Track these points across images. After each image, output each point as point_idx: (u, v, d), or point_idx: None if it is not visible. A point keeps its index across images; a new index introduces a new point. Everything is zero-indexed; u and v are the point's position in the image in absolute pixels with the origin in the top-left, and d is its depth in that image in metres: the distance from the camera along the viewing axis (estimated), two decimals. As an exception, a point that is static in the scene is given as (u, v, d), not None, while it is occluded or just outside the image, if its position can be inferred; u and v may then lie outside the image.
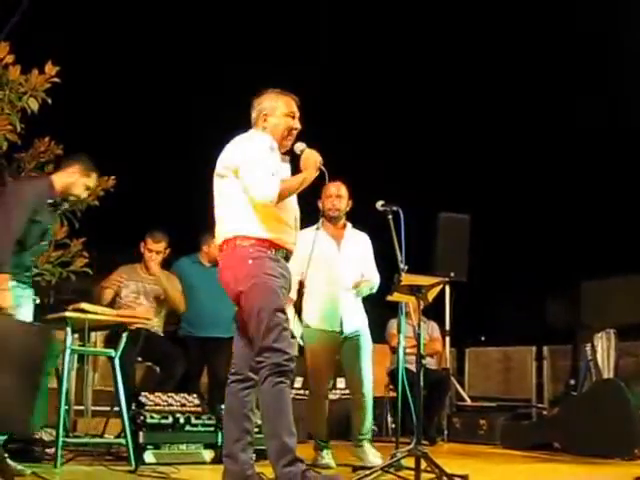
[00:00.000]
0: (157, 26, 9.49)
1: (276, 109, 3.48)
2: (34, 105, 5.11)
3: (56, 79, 5.13)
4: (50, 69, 5.11)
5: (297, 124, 3.51)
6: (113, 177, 5.52)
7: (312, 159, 3.43)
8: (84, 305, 4.02)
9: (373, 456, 4.54)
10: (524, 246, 9.05)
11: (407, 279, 3.81)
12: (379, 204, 4.28)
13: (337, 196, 4.76)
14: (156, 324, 5.59)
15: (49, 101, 5.16)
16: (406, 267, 3.95)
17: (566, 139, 10.39)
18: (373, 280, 4.76)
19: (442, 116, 10.24)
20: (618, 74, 9.71)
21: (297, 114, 3.52)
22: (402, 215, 4.10)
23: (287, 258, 3.41)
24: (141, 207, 9.03)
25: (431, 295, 3.95)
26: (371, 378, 4.68)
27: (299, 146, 3.51)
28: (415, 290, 3.81)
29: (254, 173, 3.27)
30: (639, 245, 8.88)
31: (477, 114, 10.35)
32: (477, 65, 10.37)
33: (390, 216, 4.20)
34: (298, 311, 4.06)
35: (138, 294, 5.59)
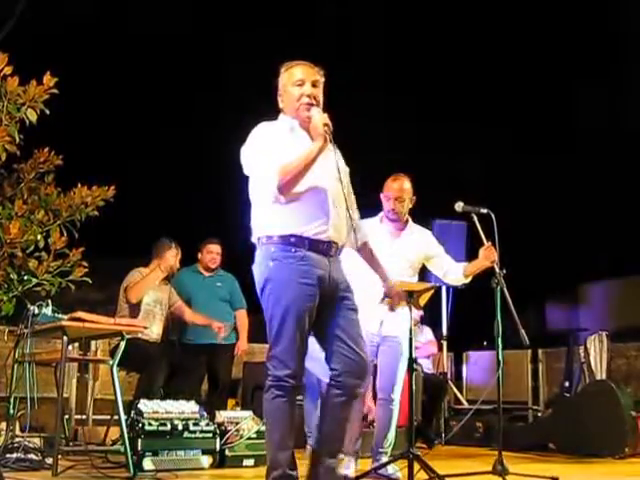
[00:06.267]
0: (157, 34, 9.54)
1: (284, 85, 3.21)
2: (33, 116, 5.13)
3: (54, 90, 5.14)
4: (48, 80, 5.12)
5: (306, 89, 3.15)
6: (113, 187, 5.56)
7: (317, 125, 3.02)
8: (81, 314, 4.06)
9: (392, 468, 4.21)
10: (522, 250, 9.10)
11: (399, 285, 3.84)
12: (459, 206, 4.02)
13: (396, 198, 4.35)
14: (156, 333, 5.62)
15: (47, 112, 5.20)
16: (504, 271, 3.90)
17: (563, 142, 10.42)
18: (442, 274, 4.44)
19: (442, 116, 10.28)
20: (621, 74, 9.73)
21: (307, 79, 3.16)
22: (494, 218, 3.90)
23: (325, 250, 3.09)
24: (140, 217, 9.08)
25: (422, 300, 3.98)
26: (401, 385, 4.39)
27: (312, 111, 3.10)
28: (406, 296, 3.84)
29: (254, 172, 3.10)
30: (635, 248, 8.91)
31: (479, 117, 10.37)
32: (481, 61, 10.36)
33: (476, 218, 4.00)
34: None
35: (156, 303, 5.62)
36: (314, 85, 3.18)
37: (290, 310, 3.01)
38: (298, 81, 3.17)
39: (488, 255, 3.98)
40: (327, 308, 3.10)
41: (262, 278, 3.08)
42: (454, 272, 4.37)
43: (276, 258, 3.05)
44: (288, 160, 3.01)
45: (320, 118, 3.02)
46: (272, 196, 3.03)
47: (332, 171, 3.10)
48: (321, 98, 3.20)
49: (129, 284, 5.50)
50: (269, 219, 3.10)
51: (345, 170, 3.28)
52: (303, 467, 3.12)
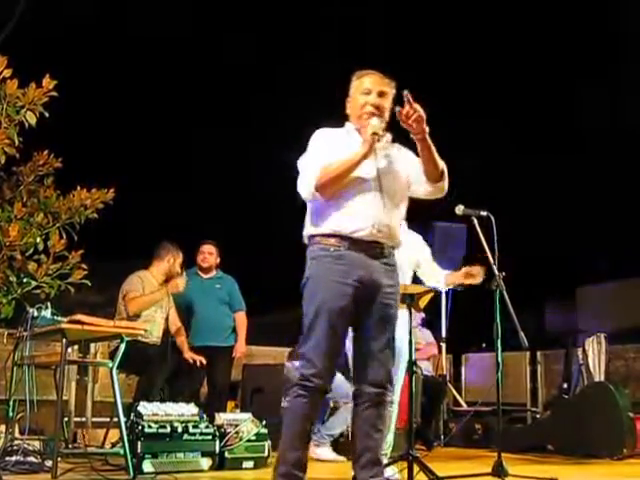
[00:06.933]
0: (156, 37, 9.56)
1: (353, 92, 3.28)
2: (32, 119, 5.14)
3: (54, 93, 5.15)
4: (47, 83, 5.12)
5: (371, 98, 3.20)
6: (112, 190, 5.56)
7: (366, 132, 3.10)
8: (81, 316, 4.06)
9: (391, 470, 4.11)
10: (521, 252, 9.13)
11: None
12: (459, 209, 4.03)
13: None
14: (156, 336, 5.63)
15: (46, 115, 5.20)
16: (503, 274, 3.85)
17: (562, 144, 10.43)
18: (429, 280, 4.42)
19: (442, 116, 10.26)
20: (620, 74, 9.74)
21: (374, 88, 3.21)
22: (494, 221, 3.91)
23: (368, 250, 3.08)
24: (139, 219, 9.09)
25: (422, 303, 4.00)
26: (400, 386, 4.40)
27: (371, 120, 3.15)
28: (406, 298, 3.85)
29: (301, 172, 3.18)
30: (633, 251, 8.93)
31: (478, 118, 10.38)
32: (481, 61, 10.36)
33: (476, 221, 4.02)
34: None
35: (156, 306, 5.61)
36: (380, 95, 3.22)
37: (322, 309, 3.02)
38: (365, 90, 3.23)
39: (469, 275, 3.97)
40: (365, 311, 3.09)
41: (305, 277, 3.12)
42: (436, 279, 4.37)
43: (315, 257, 3.11)
44: (330, 161, 3.07)
45: (371, 127, 3.08)
46: (310, 195, 3.09)
47: (381, 172, 3.14)
48: (387, 108, 3.22)
49: (128, 292, 5.49)
50: (313, 219, 3.17)
51: (398, 170, 3.25)
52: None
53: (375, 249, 3.11)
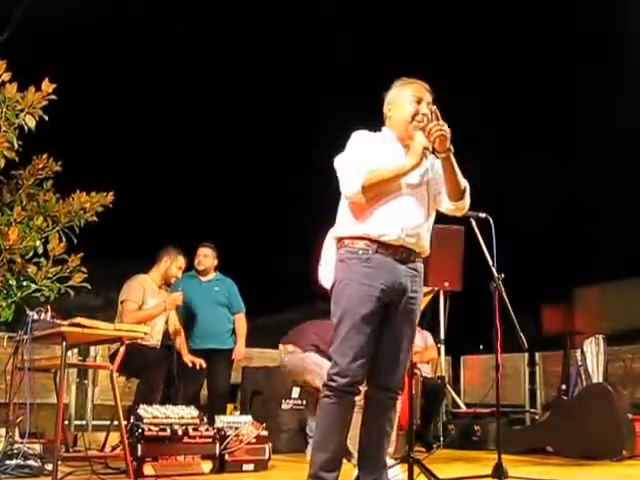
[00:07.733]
0: (155, 39, 9.57)
1: (401, 98, 3.28)
2: (31, 122, 5.14)
3: (53, 96, 5.16)
4: (47, 86, 5.13)
5: (423, 109, 3.20)
6: (111, 193, 5.57)
7: (417, 146, 3.11)
8: (80, 320, 4.06)
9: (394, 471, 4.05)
10: (519, 253, 9.12)
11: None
12: None
13: None
14: (156, 338, 5.63)
15: (46, 118, 5.21)
16: (502, 275, 3.85)
17: (560, 145, 10.45)
18: None
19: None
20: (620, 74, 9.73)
21: (426, 99, 3.24)
22: (492, 223, 3.92)
23: (396, 254, 3.11)
24: (139, 222, 9.09)
25: (422, 304, 4.00)
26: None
27: (418, 132, 3.16)
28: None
29: (342, 170, 3.17)
30: (631, 252, 8.94)
31: (475, 119, 10.38)
32: (477, 58, 10.36)
33: (474, 223, 4.02)
34: None
35: None
36: (427, 105, 3.24)
37: (347, 310, 3.06)
38: (416, 98, 3.25)
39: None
40: (391, 315, 3.13)
41: (333, 277, 3.17)
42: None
43: (343, 259, 3.14)
44: (379, 166, 3.10)
45: (422, 141, 3.09)
46: (354, 195, 3.09)
47: (415, 178, 3.18)
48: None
49: (127, 300, 5.48)
50: (344, 221, 3.20)
51: (432, 180, 3.28)
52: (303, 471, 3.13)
53: (402, 254, 3.14)
